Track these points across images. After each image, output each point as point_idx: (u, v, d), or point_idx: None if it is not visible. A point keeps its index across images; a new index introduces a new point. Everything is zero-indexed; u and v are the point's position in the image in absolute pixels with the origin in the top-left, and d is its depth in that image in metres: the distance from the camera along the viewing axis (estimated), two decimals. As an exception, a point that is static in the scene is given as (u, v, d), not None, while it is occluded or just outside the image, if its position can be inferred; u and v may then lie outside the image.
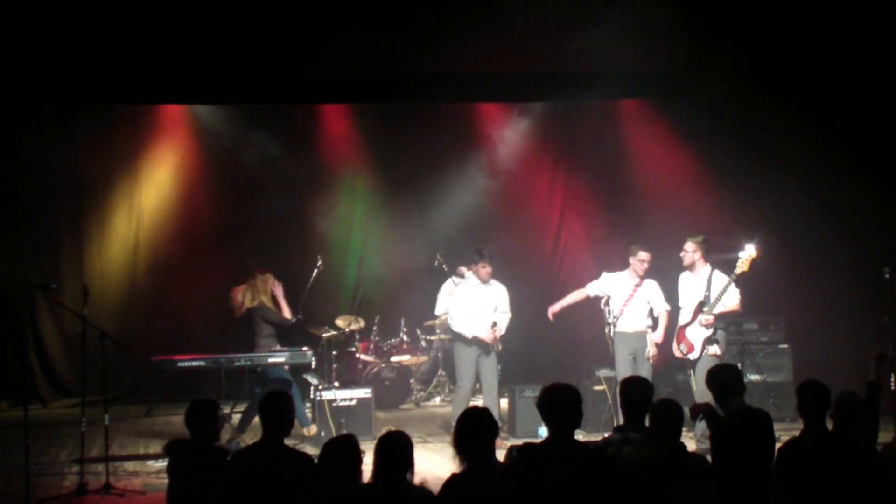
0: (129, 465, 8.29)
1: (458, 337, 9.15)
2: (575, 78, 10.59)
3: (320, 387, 9.16)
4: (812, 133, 11.00)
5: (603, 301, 9.04)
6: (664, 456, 4.67)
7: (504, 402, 9.81)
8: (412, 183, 12.51)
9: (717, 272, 8.54)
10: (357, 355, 11.25)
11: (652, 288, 8.98)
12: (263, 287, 9.00)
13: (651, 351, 8.78)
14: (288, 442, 5.06)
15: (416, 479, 4.33)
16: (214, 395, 7.80)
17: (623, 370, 8.66)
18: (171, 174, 12.17)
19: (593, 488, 4.36)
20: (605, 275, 9.09)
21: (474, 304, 9.13)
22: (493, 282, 9.24)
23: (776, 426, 5.29)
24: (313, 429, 8.91)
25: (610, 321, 8.86)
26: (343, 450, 4.40)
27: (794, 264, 11.05)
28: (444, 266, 11.39)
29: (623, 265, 9.05)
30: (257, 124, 11.78)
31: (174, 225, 12.18)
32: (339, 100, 11.91)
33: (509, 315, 9.24)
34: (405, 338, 11.60)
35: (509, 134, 12.61)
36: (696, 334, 8.49)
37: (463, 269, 10.84)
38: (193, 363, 8.54)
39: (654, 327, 8.94)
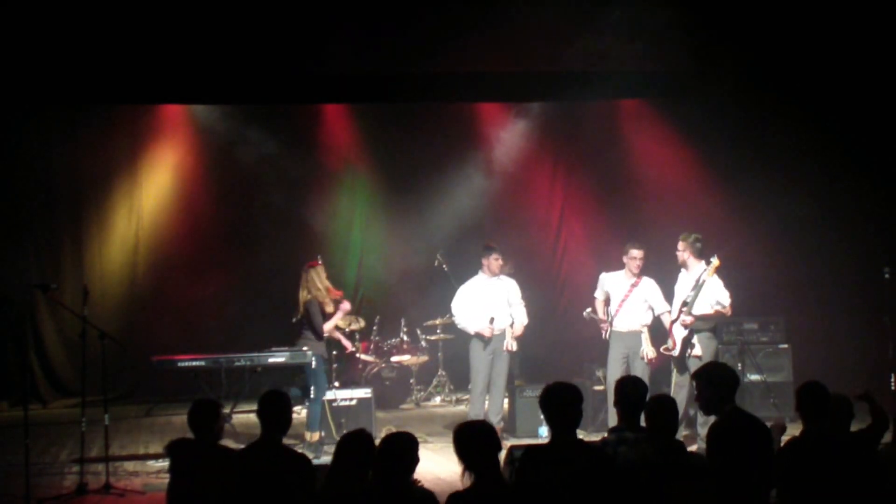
0: (129, 465, 8.31)
1: (474, 336, 9.09)
2: (575, 78, 10.57)
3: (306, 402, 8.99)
4: (812, 133, 11.01)
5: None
6: (664, 455, 4.67)
7: (504, 403, 9.79)
8: (412, 183, 12.51)
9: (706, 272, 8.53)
10: (357, 355, 11.26)
11: (650, 287, 8.87)
12: (316, 280, 8.68)
13: (647, 350, 8.66)
14: (286, 443, 5.04)
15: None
16: (215, 395, 7.80)
17: (613, 369, 8.66)
18: (171, 174, 12.18)
19: (597, 488, 4.35)
20: (602, 275, 9.06)
21: (487, 299, 9.08)
22: (502, 276, 9.23)
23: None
24: (316, 436, 8.73)
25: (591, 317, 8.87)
26: (359, 444, 4.44)
27: (794, 264, 11.06)
28: (444, 266, 11.39)
29: (622, 265, 9.03)
30: (257, 124, 11.77)
31: (174, 225, 12.18)
32: (339, 100, 11.92)
33: (524, 306, 9.21)
34: (405, 338, 11.61)
35: (509, 134, 12.58)
36: (679, 332, 8.52)
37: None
38: (193, 363, 8.54)
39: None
